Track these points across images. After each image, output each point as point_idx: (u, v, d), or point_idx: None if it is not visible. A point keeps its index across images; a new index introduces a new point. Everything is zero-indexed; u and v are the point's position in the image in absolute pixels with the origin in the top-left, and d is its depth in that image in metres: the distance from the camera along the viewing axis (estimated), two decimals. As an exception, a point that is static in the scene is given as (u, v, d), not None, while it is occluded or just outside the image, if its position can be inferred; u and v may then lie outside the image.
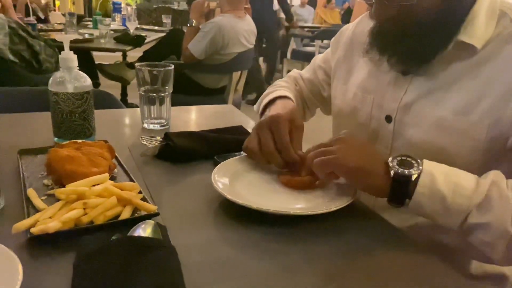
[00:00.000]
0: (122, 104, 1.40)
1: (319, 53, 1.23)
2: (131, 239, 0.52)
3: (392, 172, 0.63)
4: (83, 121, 0.88)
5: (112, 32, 3.17)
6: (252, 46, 2.77)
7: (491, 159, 0.71)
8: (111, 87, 2.71)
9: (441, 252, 0.65)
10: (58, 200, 0.61)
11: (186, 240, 0.59)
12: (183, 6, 7.47)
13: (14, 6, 2.86)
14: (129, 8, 4.26)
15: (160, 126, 1.05)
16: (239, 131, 0.99)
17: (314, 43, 6.10)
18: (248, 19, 2.74)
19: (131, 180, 0.72)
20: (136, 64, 1.01)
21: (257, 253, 0.58)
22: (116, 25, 3.92)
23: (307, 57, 5.13)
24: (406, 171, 0.63)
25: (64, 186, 0.64)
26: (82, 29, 3.53)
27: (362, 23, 0.94)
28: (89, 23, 4.05)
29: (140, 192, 0.66)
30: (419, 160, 0.64)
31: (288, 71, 1.51)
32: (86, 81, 0.88)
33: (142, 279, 0.46)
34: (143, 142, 0.91)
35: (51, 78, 0.86)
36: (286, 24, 6.06)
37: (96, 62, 3.59)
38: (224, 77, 2.74)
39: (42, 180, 0.71)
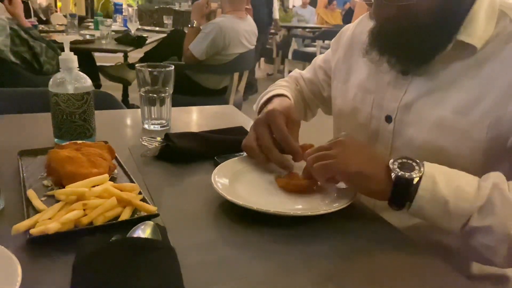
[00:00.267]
0: (122, 105, 1.40)
1: (320, 53, 1.23)
2: (130, 240, 0.52)
3: (393, 176, 0.62)
4: (83, 121, 0.88)
5: (113, 33, 3.18)
6: (253, 46, 2.77)
7: (491, 159, 0.71)
8: (112, 88, 2.72)
9: (441, 252, 0.65)
10: (58, 201, 0.61)
11: (186, 240, 0.59)
12: (185, 7, 7.48)
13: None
14: (130, 9, 4.27)
15: (161, 127, 1.05)
16: (240, 131, 0.99)
17: (315, 44, 6.10)
18: (249, 19, 2.75)
19: (131, 181, 0.72)
20: (137, 65, 1.01)
21: (257, 254, 0.58)
22: (117, 26, 3.93)
23: (308, 58, 5.13)
24: (407, 175, 0.62)
25: (64, 187, 0.64)
26: (84, 30, 3.54)
27: (362, 24, 0.94)
28: (90, 24, 4.05)
29: (140, 193, 0.66)
30: (420, 163, 0.63)
31: (289, 71, 1.51)
32: (86, 82, 0.88)
33: (142, 280, 0.46)
34: (143, 143, 0.91)
35: (51, 79, 0.86)
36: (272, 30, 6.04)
37: (98, 64, 3.60)
38: (225, 78, 2.74)
39: (42, 181, 0.71)
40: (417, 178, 0.61)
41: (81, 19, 4.16)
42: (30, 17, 3.22)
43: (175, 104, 1.08)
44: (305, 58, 5.66)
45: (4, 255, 0.47)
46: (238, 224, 0.64)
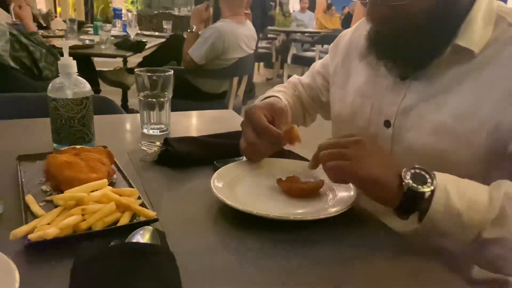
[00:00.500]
0: (122, 110, 1.40)
1: (320, 58, 1.24)
2: (129, 246, 0.52)
3: (405, 187, 0.61)
4: (82, 126, 0.88)
5: (112, 38, 3.19)
6: (252, 51, 2.78)
7: (491, 164, 0.71)
8: (112, 93, 2.72)
9: (441, 257, 0.64)
10: (57, 206, 0.61)
11: (185, 245, 0.58)
12: (184, 12, 7.51)
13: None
14: (129, 14, 4.27)
15: (160, 132, 1.05)
16: (239, 136, 0.98)
17: (314, 48, 6.12)
18: (248, 24, 2.75)
19: (130, 186, 0.72)
20: (136, 70, 1.01)
21: (257, 259, 0.57)
22: (116, 31, 3.94)
23: (308, 62, 5.13)
24: (420, 188, 0.60)
25: (62, 192, 0.64)
26: (83, 35, 3.55)
27: (360, 28, 0.94)
28: (90, 29, 4.06)
29: (139, 198, 0.66)
30: (432, 174, 0.62)
31: (289, 76, 1.51)
32: (85, 86, 0.88)
33: (141, 286, 0.45)
34: (142, 147, 0.91)
35: (50, 84, 0.86)
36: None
37: (97, 68, 3.60)
38: (225, 82, 2.74)
39: (41, 186, 0.71)
40: (429, 192, 0.60)
41: (81, 24, 4.17)
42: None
43: (174, 108, 1.08)
44: (305, 63, 5.67)
45: (2, 260, 0.47)
46: (237, 228, 0.64)
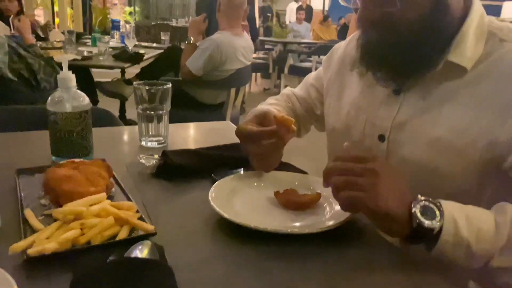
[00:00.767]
0: (120, 122, 1.41)
1: (316, 68, 1.24)
2: (128, 260, 0.52)
3: (414, 224, 0.61)
4: (81, 140, 0.88)
5: (111, 49, 3.21)
6: (249, 62, 2.80)
7: (485, 178, 0.71)
8: (110, 103, 2.73)
9: (440, 268, 0.65)
10: (55, 220, 0.61)
11: (183, 258, 0.59)
12: (181, 23, 7.55)
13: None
14: (127, 25, 4.30)
15: (158, 144, 1.05)
16: (237, 148, 0.99)
17: (311, 59, 6.15)
18: (246, 36, 2.78)
19: (129, 199, 0.72)
20: (134, 83, 1.02)
21: (255, 272, 0.58)
22: (114, 42, 3.96)
23: (304, 72, 5.13)
24: (429, 224, 0.60)
25: (61, 206, 0.64)
26: (81, 46, 3.57)
27: (353, 41, 0.95)
28: (88, 40, 4.08)
29: (137, 211, 0.66)
30: (439, 206, 0.62)
31: (286, 86, 1.52)
32: (84, 100, 0.88)
33: (139, 301, 0.46)
34: (141, 160, 0.91)
35: (49, 98, 0.87)
36: None
37: (95, 79, 3.61)
38: (222, 93, 2.76)
39: (40, 200, 0.71)
40: (438, 228, 0.60)
41: (79, 36, 4.19)
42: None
43: (172, 118, 1.08)
44: (301, 73, 5.68)
45: (1, 275, 0.47)
46: (235, 241, 0.64)
